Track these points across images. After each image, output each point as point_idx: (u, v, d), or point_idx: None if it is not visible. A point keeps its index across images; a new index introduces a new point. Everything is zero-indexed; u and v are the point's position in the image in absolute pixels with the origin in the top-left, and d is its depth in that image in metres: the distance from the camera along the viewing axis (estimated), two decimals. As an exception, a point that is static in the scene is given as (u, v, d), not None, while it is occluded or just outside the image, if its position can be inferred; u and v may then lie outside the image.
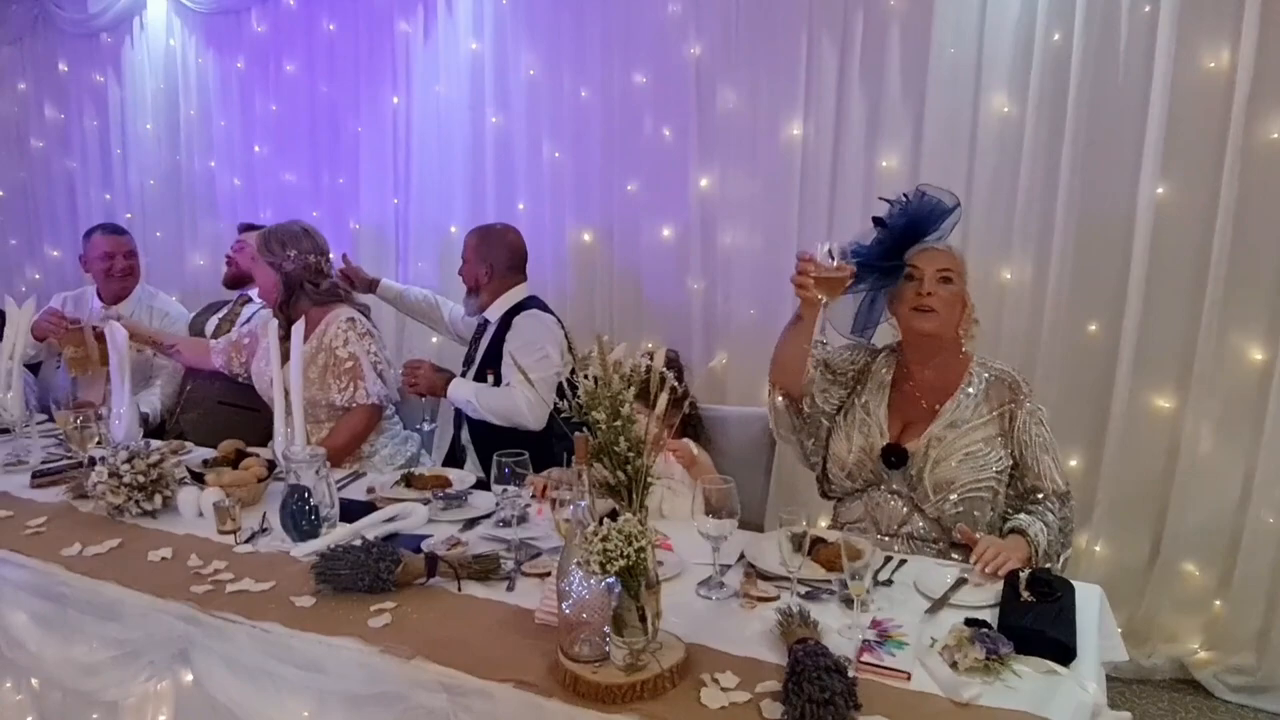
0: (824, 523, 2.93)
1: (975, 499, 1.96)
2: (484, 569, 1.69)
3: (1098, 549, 2.78)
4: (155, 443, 2.74)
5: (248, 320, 3.44)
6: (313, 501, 1.86)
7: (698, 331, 3.32)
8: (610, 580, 1.28)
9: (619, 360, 1.33)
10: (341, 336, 2.66)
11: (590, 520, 1.30)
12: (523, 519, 1.91)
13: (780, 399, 2.16)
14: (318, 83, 4.08)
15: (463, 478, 2.32)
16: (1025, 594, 1.50)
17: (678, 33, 3.20)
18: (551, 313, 2.80)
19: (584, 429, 1.36)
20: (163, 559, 1.82)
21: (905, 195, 2.09)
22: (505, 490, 1.85)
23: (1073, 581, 1.61)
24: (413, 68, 3.80)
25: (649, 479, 1.31)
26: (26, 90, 5.17)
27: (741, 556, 1.78)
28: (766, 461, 2.40)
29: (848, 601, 1.55)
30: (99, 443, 2.43)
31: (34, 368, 3.63)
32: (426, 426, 3.09)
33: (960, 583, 1.65)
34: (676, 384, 2.42)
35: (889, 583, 1.67)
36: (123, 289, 3.47)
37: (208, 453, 2.57)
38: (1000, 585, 1.61)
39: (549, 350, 2.65)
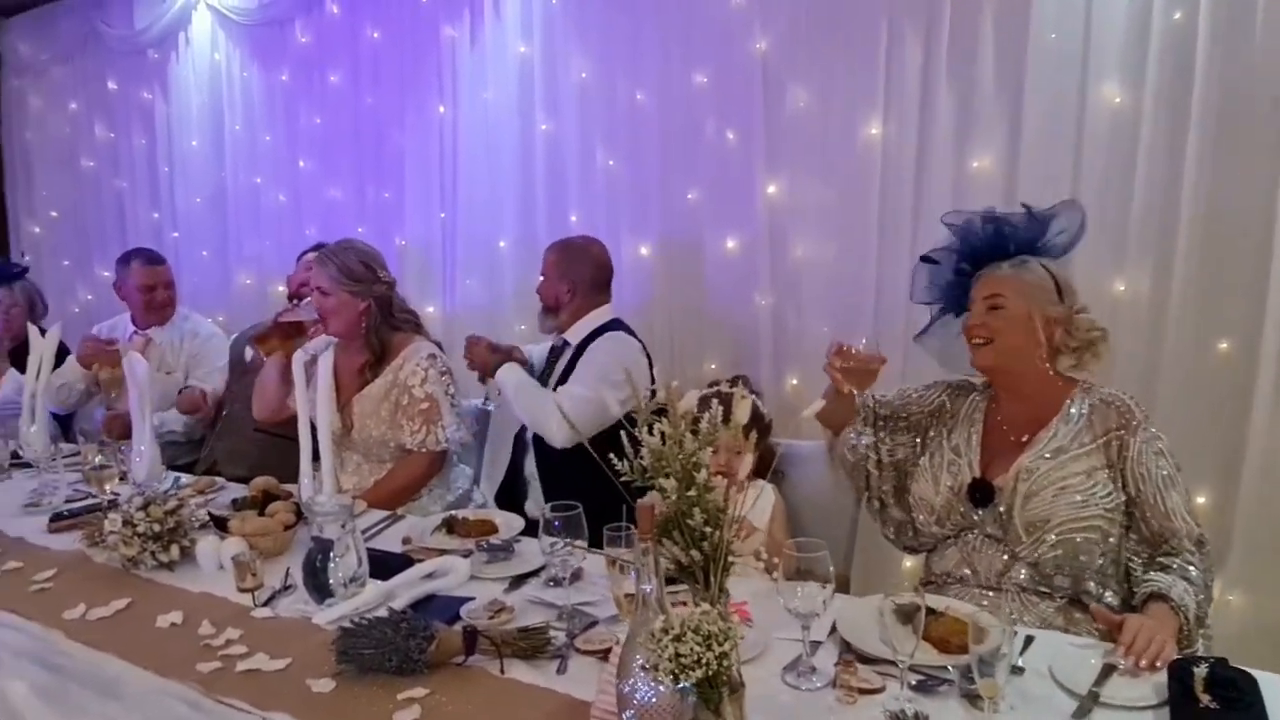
0: (908, 562, 2.65)
1: (1078, 541, 1.67)
2: (531, 646, 1.45)
3: (1232, 599, 2.43)
4: (185, 478, 2.58)
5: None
6: (337, 559, 1.63)
7: (766, 352, 3.04)
8: (684, 685, 1.03)
9: (690, 411, 1.07)
10: (420, 374, 2.43)
11: (657, 610, 1.04)
12: (576, 577, 1.67)
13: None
14: (362, 94, 3.91)
15: (509, 523, 2.08)
16: (1204, 697, 1.19)
17: (742, 27, 2.93)
18: (637, 338, 2.58)
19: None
20: (172, 625, 1.61)
21: (956, 221, 1.89)
22: (555, 545, 1.61)
23: (1251, 672, 1.30)
24: (459, 75, 3.61)
25: (730, 558, 1.05)
26: (78, 110, 5.13)
27: (834, 630, 1.51)
28: (852, 505, 2.12)
29: (971, 697, 1.27)
30: (121, 479, 2.26)
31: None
32: (492, 405, 2.84)
33: (1109, 671, 1.35)
34: (761, 408, 2.23)
35: (1019, 669, 1.38)
36: (160, 318, 3.34)
37: (239, 490, 2.39)
38: (1161, 675, 1.31)
39: (616, 376, 2.41)
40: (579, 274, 2.59)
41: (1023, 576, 1.72)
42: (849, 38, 2.76)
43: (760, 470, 2.11)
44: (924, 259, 1.92)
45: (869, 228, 2.80)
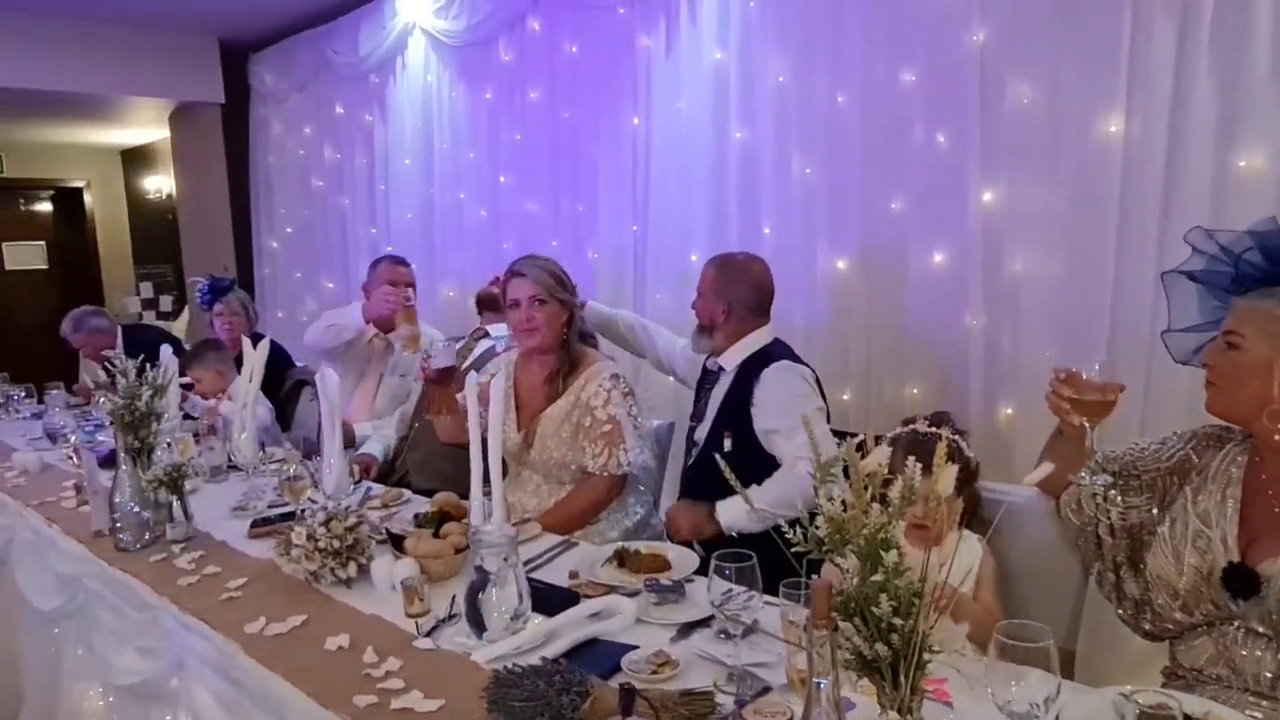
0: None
1: None
2: (694, 714, 1.30)
3: None
4: (376, 488, 2.64)
5: (480, 356, 3.31)
6: (497, 593, 1.56)
7: (976, 378, 2.73)
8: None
9: (879, 470, 0.88)
10: (603, 395, 2.36)
11: (832, 713, 0.86)
12: (749, 631, 1.50)
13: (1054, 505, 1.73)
14: (559, 108, 3.94)
15: (683, 559, 1.94)
16: None
17: (957, 18, 2.66)
18: (802, 361, 2.38)
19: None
20: (339, 648, 1.59)
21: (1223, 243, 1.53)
22: (727, 594, 1.45)
23: None
24: (653, 85, 3.55)
25: (926, 654, 0.85)
26: (310, 133, 5.56)
27: (1056, 725, 1.25)
28: (1079, 564, 1.81)
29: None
30: (316, 485, 2.33)
31: (291, 395, 3.75)
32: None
33: None
34: (967, 451, 1.95)
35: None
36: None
37: (422, 503, 2.41)
38: None
39: (808, 409, 2.23)
40: (737, 295, 2.40)
41: None
42: (1085, 23, 2.42)
43: (964, 518, 1.85)
44: (1190, 276, 1.58)
45: (1104, 239, 2.44)
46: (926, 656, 0.86)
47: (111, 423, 2.36)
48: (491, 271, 4.24)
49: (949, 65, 2.70)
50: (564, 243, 3.91)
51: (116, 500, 2.18)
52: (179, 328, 6.61)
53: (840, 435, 2.15)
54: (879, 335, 2.95)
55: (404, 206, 4.82)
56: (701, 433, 2.43)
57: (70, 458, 3.10)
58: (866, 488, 0.84)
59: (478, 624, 1.57)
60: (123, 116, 6.66)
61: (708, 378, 2.50)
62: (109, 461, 2.57)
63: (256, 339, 2.77)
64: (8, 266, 8.59)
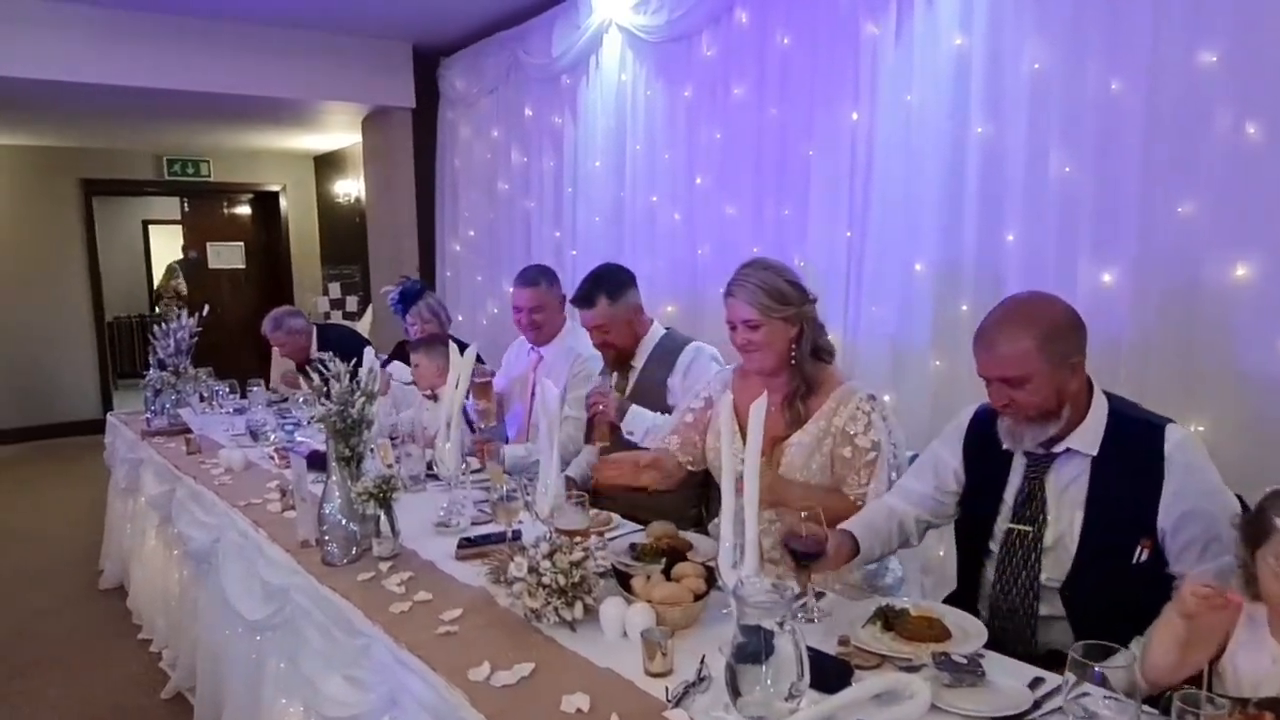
0: None
1: None
2: None
3: None
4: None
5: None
6: (771, 664, 1.29)
7: (1295, 418, 2.25)
8: None
9: None
10: (862, 420, 2.06)
11: None
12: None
13: None
14: (766, 105, 3.66)
15: (964, 628, 1.61)
16: None
17: (1285, -18, 2.21)
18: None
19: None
20: (578, 711, 1.37)
21: None
22: (1073, 688, 1.13)
23: None
24: (878, 76, 3.20)
25: None
26: (498, 137, 5.52)
27: None
28: None
29: None
30: (527, 506, 2.15)
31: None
32: None
33: None
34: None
35: None
36: (534, 339, 3.28)
37: (634, 530, 2.20)
38: None
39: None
40: (1075, 348, 1.71)
41: None
42: None
43: None
44: None
45: None
46: None
47: (310, 422, 2.26)
48: (683, 278, 4.04)
49: (1269, 40, 2.24)
50: (766, 249, 3.61)
51: (325, 511, 2.07)
52: (363, 327, 6.77)
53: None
54: (1157, 361, 2.50)
55: (592, 209, 4.67)
56: (1063, 538, 1.75)
57: (272, 457, 3.08)
58: None
59: (739, 695, 1.31)
60: (318, 123, 6.90)
61: (1029, 464, 1.80)
62: (312, 464, 2.49)
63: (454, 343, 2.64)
64: (211, 265, 9.14)
